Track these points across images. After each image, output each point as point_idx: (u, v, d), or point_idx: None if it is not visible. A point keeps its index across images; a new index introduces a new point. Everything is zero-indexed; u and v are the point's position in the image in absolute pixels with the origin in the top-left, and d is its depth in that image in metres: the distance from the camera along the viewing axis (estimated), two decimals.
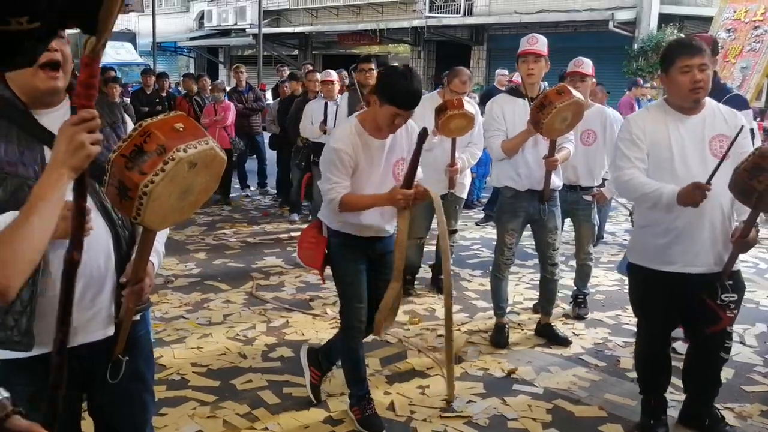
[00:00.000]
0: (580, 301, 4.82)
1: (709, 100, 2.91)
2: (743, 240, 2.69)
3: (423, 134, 2.82)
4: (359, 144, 2.94)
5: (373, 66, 6.21)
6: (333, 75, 6.92)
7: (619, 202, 8.25)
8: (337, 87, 6.83)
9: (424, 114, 4.48)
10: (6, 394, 1.25)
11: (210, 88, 9.24)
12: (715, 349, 2.97)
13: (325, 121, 6.49)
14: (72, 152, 1.32)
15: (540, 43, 3.97)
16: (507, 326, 4.32)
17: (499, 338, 4.21)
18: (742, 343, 4.26)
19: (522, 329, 4.47)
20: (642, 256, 3.01)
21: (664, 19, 14.32)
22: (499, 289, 4.29)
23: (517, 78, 7.83)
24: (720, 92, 3.69)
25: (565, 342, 4.21)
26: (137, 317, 1.89)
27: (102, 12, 1.05)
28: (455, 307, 4.86)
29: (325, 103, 6.65)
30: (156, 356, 3.80)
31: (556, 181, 4.05)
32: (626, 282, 3.40)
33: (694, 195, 2.62)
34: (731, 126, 2.83)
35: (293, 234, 7.09)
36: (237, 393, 3.48)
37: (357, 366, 3.18)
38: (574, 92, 3.54)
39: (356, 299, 3.11)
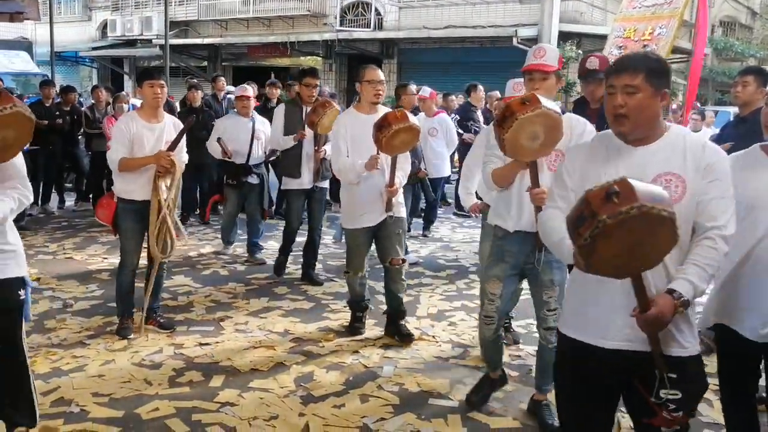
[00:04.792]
0: None
1: (676, 129, 2.16)
2: (643, 316, 1.92)
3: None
4: None
5: (318, 82, 5.71)
6: (249, 91, 6.56)
7: None
8: (253, 103, 6.57)
9: (353, 130, 4.23)
10: None
11: (112, 99, 8.80)
12: None
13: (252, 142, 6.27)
14: None
15: (548, 55, 3.18)
16: (501, 376, 3.69)
17: (483, 392, 3.64)
18: None
19: (437, 342, 4.49)
20: (563, 319, 2.34)
21: (564, 37, 14.96)
22: (486, 349, 3.60)
23: (423, 93, 7.33)
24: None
25: None
26: None
27: None
28: (371, 321, 4.81)
29: (253, 121, 6.35)
30: (53, 387, 3.62)
31: None
32: None
33: None
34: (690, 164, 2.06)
35: (203, 251, 6.88)
36: (142, 423, 3.30)
37: (128, 295, 4.59)
38: (544, 101, 2.75)
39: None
